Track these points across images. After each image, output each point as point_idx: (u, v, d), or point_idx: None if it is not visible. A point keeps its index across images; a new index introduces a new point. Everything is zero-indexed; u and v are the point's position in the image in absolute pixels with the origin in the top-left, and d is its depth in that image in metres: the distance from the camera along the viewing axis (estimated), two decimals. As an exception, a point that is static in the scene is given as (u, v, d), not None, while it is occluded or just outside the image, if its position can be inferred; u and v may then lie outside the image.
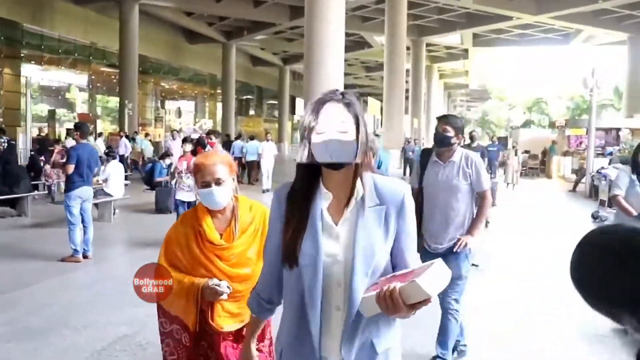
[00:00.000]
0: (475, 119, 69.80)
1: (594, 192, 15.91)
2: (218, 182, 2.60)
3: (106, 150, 13.94)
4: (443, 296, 4.08)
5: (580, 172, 19.66)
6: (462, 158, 4.34)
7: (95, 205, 10.20)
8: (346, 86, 18.06)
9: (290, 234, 1.77)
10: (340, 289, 1.75)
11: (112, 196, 11.12)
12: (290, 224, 1.78)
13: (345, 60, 17.19)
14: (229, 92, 40.15)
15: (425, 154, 4.61)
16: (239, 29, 37.41)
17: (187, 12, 33.78)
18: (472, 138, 13.09)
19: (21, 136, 20.70)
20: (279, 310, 1.97)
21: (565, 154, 26.09)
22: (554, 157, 26.55)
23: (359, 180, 1.79)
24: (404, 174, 22.47)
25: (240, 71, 43.80)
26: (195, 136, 20.89)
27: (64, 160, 14.31)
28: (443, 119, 4.41)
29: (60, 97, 34.69)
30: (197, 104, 49.48)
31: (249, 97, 55.04)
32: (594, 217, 12.56)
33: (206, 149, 17.28)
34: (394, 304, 1.55)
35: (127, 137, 22.39)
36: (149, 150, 22.99)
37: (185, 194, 8.75)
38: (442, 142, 4.35)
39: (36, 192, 12.98)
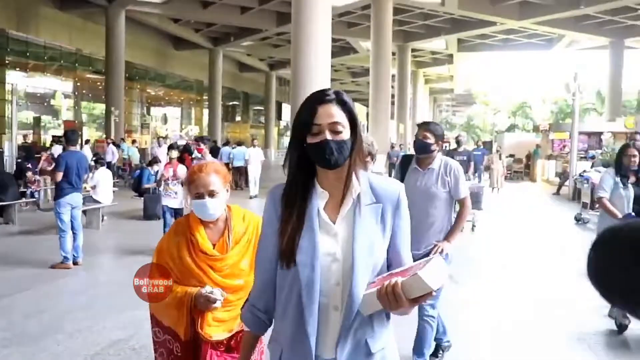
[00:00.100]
0: (460, 124, 70.28)
1: (577, 194, 16.14)
2: (212, 194, 2.59)
3: (94, 158, 13.97)
4: None
5: (563, 176, 19.92)
6: (441, 165, 4.35)
7: (84, 212, 10.23)
8: (333, 92, 18.15)
9: (287, 233, 1.74)
10: (339, 288, 1.73)
11: (100, 203, 11.16)
12: (288, 223, 1.75)
13: (332, 66, 17.33)
14: (215, 98, 40.19)
15: (406, 160, 4.61)
16: (226, 35, 37.48)
17: (173, 19, 33.80)
18: (458, 143, 13.26)
19: (7, 144, 20.60)
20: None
21: (549, 157, 26.39)
22: (538, 161, 26.86)
23: (355, 178, 1.78)
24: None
25: (227, 77, 43.82)
26: (181, 143, 20.98)
27: (51, 167, 14.44)
28: (423, 126, 4.42)
29: (45, 104, 34.50)
30: (183, 110, 49.37)
31: (235, 103, 55.00)
32: (577, 219, 12.78)
33: (193, 155, 17.36)
34: (396, 299, 1.54)
35: (114, 143, 22.36)
36: (136, 157, 22.98)
37: (172, 201, 8.80)
38: (422, 149, 4.37)
39: (24, 199, 12.95)
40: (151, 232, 10.18)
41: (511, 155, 28.51)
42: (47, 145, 25.46)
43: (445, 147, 30.34)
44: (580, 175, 15.33)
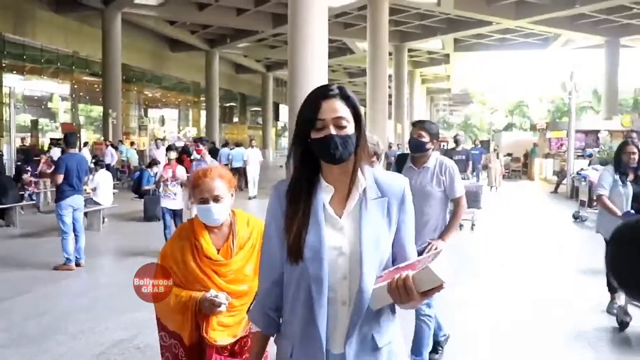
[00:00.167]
0: (457, 123, 70.33)
1: (574, 193, 16.20)
2: (216, 199, 2.57)
3: (94, 160, 14.00)
4: None
5: (561, 174, 19.97)
6: (436, 164, 4.35)
7: (85, 214, 10.27)
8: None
9: (293, 228, 1.73)
10: (345, 282, 1.72)
11: (101, 205, 11.19)
12: (293, 219, 1.74)
13: (329, 67, 17.38)
14: (212, 99, 40.24)
15: (401, 159, 4.63)
16: (222, 36, 37.52)
17: (170, 21, 33.84)
18: (457, 142, 13.29)
19: (5, 147, 20.60)
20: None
21: (546, 156, 26.45)
22: (535, 160, 26.92)
23: (360, 173, 1.78)
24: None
25: (224, 79, 43.89)
26: (179, 144, 21.00)
27: (51, 170, 14.47)
28: (418, 125, 4.43)
29: (42, 107, 34.52)
30: (180, 112, 49.41)
31: (232, 104, 55.05)
32: (575, 217, 12.84)
33: (192, 157, 17.39)
34: (407, 292, 1.53)
35: (112, 145, 22.38)
36: (134, 159, 23.01)
37: (171, 202, 8.81)
38: (417, 148, 4.38)
39: (24, 202, 12.98)
40: (151, 233, 10.22)
41: (509, 154, 28.57)
42: (46, 148, 25.48)
43: (443, 146, 30.45)
44: (577, 173, 15.39)
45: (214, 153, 18.52)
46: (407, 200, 1.83)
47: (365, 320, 1.71)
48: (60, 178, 8.01)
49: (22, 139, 28.90)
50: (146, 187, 13.37)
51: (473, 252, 9.14)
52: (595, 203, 12.42)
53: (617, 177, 5.77)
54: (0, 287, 7.06)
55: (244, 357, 2.64)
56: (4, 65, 28.96)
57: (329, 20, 17.15)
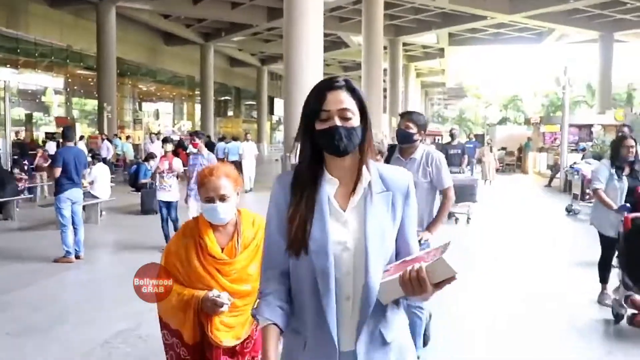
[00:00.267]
0: (452, 117, 70.47)
1: (568, 186, 16.35)
2: (222, 198, 2.56)
3: (90, 154, 14.05)
4: None
5: (554, 168, 20.11)
6: (423, 155, 4.35)
7: (83, 207, 10.34)
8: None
9: (297, 220, 1.71)
10: (349, 277, 1.70)
11: (98, 198, 11.25)
12: (297, 211, 1.72)
13: (323, 60, 17.44)
14: (207, 93, 40.27)
15: (389, 150, 4.61)
16: (217, 30, 37.53)
17: (164, 15, 33.78)
18: (452, 136, 13.37)
19: (1, 141, 20.59)
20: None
21: (540, 150, 26.59)
22: (529, 154, 27.06)
23: (364, 167, 1.76)
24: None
25: (219, 72, 43.87)
26: (175, 138, 21.03)
27: (47, 164, 14.52)
28: (406, 116, 4.43)
29: (37, 100, 34.43)
30: (175, 105, 49.33)
31: (227, 98, 55.01)
32: (568, 210, 12.97)
33: (188, 150, 17.42)
34: (420, 284, 1.53)
35: (107, 139, 22.41)
36: (130, 153, 23.04)
37: (166, 194, 8.83)
38: (404, 139, 4.38)
39: (23, 195, 13.02)
40: (149, 226, 10.30)
41: (503, 148, 28.71)
42: (40, 142, 25.50)
43: (438, 140, 30.53)
44: (570, 167, 15.52)
45: (209, 147, 18.58)
46: (412, 194, 1.82)
47: (372, 315, 1.70)
48: (58, 171, 8.05)
49: (17, 133, 28.86)
50: (143, 181, 13.42)
51: (469, 245, 9.22)
52: (587, 196, 12.58)
53: (613, 171, 5.81)
54: (4, 279, 7.14)
55: (245, 357, 2.66)
56: (-2, 59, 28.95)
57: (323, 14, 17.21)
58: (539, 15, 30.49)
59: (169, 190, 8.82)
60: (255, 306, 1.79)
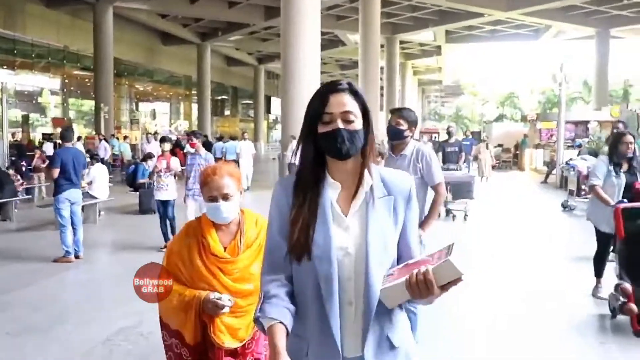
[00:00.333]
0: (449, 115, 70.60)
1: (564, 182, 16.42)
2: (225, 197, 2.55)
3: (88, 154, 14.09)
4: None
5: (551, 164, 20.20)
6: (413, 152, 4.36)
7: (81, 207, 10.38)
8: (322, 84, 18.42)
9: (299, 225, 1.70)
10: (351, 282, 1.70)
11: (97, 198, 11.29)
12: (299, 215, 1.71)
13: (320, 59, 17.50)
14: (204, 92, 40.29)
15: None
16: (214, 29, 37.53)
17: (161, 14, 33.77)
18: (449, 134, 13.42)
19: (-2, 142, 20.65)
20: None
21: (536, 146, 26.68)
22: (526, 150, 27.15)
23: (366, 171, 1.75)
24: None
25: (215, 72, 43.89)
26: (172, 137, 21.06)
27: (45, 165, 14.55)
28: (396, 113, 4.44)
29: (33, 101, 34.42)
30: (172, 105, 49.33)
31: (224, 97, 55.03)
32: (564, 206, 13.04)
33: (185, 150, 17.41)
34: (428, 287, 1.52)
35: (105, 140, 22.44)
36: (128, 153, 23.08)
37: (164, 193, 8.83)
38: (395, 136, 4.40)
39: (21, 196, 13.05)
40: (147, 226, 10.35)
41: (500, 145, 28.79)
42: (38, 143, 25.54)
43: (435, 138, 30.49)
44: (566, 163, 15.60)
45: (207, 146, 18.62)
46: (413, 198, 1.82)
47: (377, 320, 1.70)
48: (56, 172, 8.07)
49: (13, 134, 28.89)
50: (141, 181, 13.47)
51: (466, 243, 9.26)
52: (583, 192, 12.65)
53: (611, 167, 5.82)
54: (3, 279, 7.19)
55: (246, 358, 2.63)
56: (-5, 60, 28.93)
57: (320, 12, 17.25)
58: (536, 12, 30.54)
59: (167, 189, 8.83)
60: (257, 310, 1.71)
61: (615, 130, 9.14)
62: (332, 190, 1.75)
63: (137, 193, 13.03)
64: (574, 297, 6.31)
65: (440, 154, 12.90)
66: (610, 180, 5.82)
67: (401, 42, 39.41)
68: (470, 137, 23.62)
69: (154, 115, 45.28)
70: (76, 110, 37.76)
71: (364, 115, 1.75)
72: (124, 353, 4.73)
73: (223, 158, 18.64)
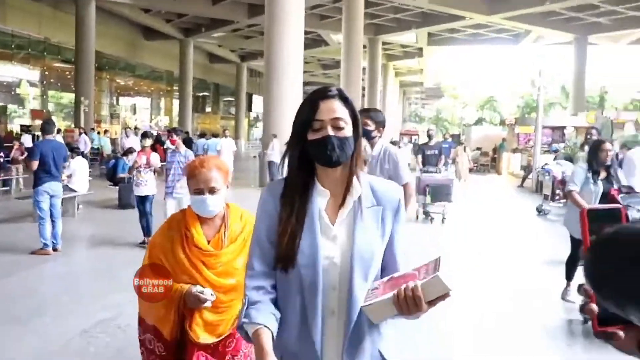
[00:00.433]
0: (429, 117, 71.08)
1: (540, 187, 16.67)
2: (212, 191, 2.53)
3: (69, 147, 14.01)
4: None
5: (527, 169, 20.49)
6: (381, 152, 4.39)
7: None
8: (304, 83, 18.53)
9: (287, 234, 1.68)
10: (335, 292, 1.69)
11: (76, 192, 11.26)
12: (287, 224, 1.69)
13: (303, 58, 17.59)
14: (185, 89, 40.14)
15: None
16: (197, 25, 37.40)
17: (144, 9, 33.60)
18: (429, 136, 13.55)
19: (-25, 133, 20.43)
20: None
21: (514, 151, 26.99)
22: (504, 154, 27.43)
23: (355, 179, 1.74)
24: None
25: (198, 68, 43.75)
26: (152, 133, 21.01)
27: (23, 156, 14.45)
28: (364, 113, 4.43)
29: (12, 92, 34.03)
30: (153, 100, 49.09)
31: (205, 94, 54.92)
32: (538, 210, 13.27)
33: (166, 146, 17.37)
34: (416, 303, 1.49)
35: (85, 133, 22.30)
36: (107, 147, 22.97)
37: (143, 189, 8.81)
38: (363, 136, 4.50)
39: (-1, 188, 12.99)
40: (126, 220, 10.35)
41: (478, 149, 29.09)
42: (17, 134, 25.28)
43: (415, 140, 30.63)
44: (542, 168, 15.84)
45: (187, 143, 18.62)
46: (402, 209, 1.80)
47: (358, 330, 1.68)
48: (35, 165, 8.07)
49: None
50: (121, 175, 13.45)
51: (444, 245, 9.42)
52: (557, 197, 12.89)
53: (589, 175, 5.86)
54: (-19, 270, 7.19)
55: (226, 357, 2.60)
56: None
57: (304, 11, 17.35)
58: (516, 17, 30.94)
59: (146, 185, 8.81)
60: (242, 316, 1.69)
61: (588, 137, 9.32)
62: (320, 198, 1.73)
63: (117, 187, 13.01)
64: (550, 299, 6.42)
65: (420, 156, 13.04)
66: (588, 187, 5.85)
67: (383, 43, 39.62)
68: (450, 139, 23.84)
69: (134, 110, 45.04)
70: (55, 103, 37.43)
71: (354, 121, 1.74)
72: (102, 345, 4.78)
73: (205, 155, 18.64)
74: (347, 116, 1.71)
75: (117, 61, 39.58)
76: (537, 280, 7.38)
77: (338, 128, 1.68)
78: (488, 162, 28.91)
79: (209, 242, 2.57)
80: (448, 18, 32.91)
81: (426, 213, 11.86)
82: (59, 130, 23.04)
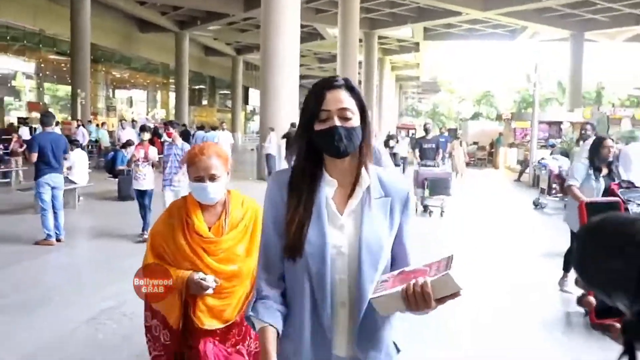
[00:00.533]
0: (426, 111, 71.06)
1: (536, 181, 16.76)
2: (212, 178, 2.52)
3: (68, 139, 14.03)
4: None
5: (524, 163, 20.59)
6: None
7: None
8: (300, 77, 18.59)
9: (295, 223, 1.67)
10: (344, 283, 1.68)
11: (76, 184, 11.31)
12: (295, 213, 1.68)
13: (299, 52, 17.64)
14: (181, 81, 40.07)
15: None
16: (193, 18, 37.30)
17: (139, 1, 33.47)
18: (426, 130, 13.57)
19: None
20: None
21: (511, 145, 27.07)
22: (500, 149, 27.53)
23: (364, 170, 1.73)
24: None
25: (193, 61, 43.66)
26: (150, 126, 21.03)
27: (22, 149, 14.46)
28: None
29: (7, 85, 33.94)
30: (149, 93, 49.05)
31: (202, 87, 54.85)
32: (535, 204, 13.37)
33: (163, 139, 17.40)
34: (425, 299, 1.47)
35: (82, 125, 22.31)
36: (105, 140, 22.99)
37: (142, 183, 8.82)
38: None
39: (-1, 179, 13.02)
40: (126, 212, 10.40)
41: (475, 143, 29.18)
42: (15, 126, 25.28)
43: (413, 134, 30.64)
44: (538, 162, 15.93)
45: (185, 136, 18.69)
46: (410, 201, 1.80)
47: (369, 321, 1.68)
48: (34, 157, 8.13)
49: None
50: (120, 167, 13.50)
51: (443, 239, 9.48)
52: (554, 191, 12.99)
53: (591, 171, 5.89)
54: (-15, 260, 7.24)
55: (230, 342, 2.61)
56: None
57: (300, 5, 17.38)
58: (512, 13, 30.96)
59: (144, 179, 8.81)
60: (250, 308, 1.73)
61: (583, 132, 9.37)
62: (328, 188, 1.72)
63: (116, 180, 13.06)
64: (547, 292, 6.48)
65: (417, 150, 13.09)
66: (589, 184, 5.88)
67: (380, 38, 39.62)
68: (446, 134, 23.91)
69: (130, 102, 44.97)
70: (51, 95, 37.36)
71: (361, 111, 1.71)
72: (109, 332, 4.86)
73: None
74: (354, 106, 1.69)
75: (112, 53, 39.49)
76: (534, 273, 7.44)
77: (345, 118, 1.66)
78: (485, 157, 29.00)
79: (210, 228, 2.57)
80: (444, 13, 32.94)
81: (425, 207, 11.92)
82: (57, 123, 23.09)
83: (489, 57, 58.24)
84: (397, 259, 1.76)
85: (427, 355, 4.45)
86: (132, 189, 9.50)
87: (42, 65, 34.47)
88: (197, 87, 52.74)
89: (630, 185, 5.94)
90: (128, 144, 13.53)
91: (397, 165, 18.82)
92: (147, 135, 9.37)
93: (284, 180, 1.75)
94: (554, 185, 13.08)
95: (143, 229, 8.65)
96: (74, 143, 11.82)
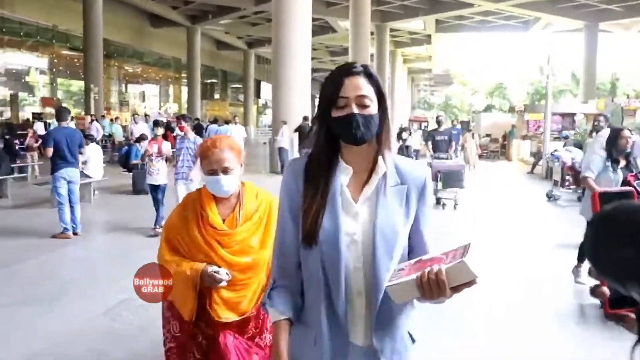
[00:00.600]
0: (438, 104, 70.81)
1: (549, 173, 16.67)
2: (226, 171, 2.54)
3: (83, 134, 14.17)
4: None
5: (537, 155, 20.48)
6: None
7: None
8: (312, 70, 18.62)
9: (312, 211, 1.65)
10: (359, 272, 1.66)
11: (91, 178, 11.42)
12: (312, 201, 1.66)
13: (311, 45, 17.64)
14: (194, 76, 40.23)
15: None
16: (204, 12, 37.41)
17: (151, -4, 33.65)
18: (439, 123, 13.54)
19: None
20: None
21: (524, 137, 26.90)
22: (513, 141, 27.36)
23: (380, 157, 1.70)
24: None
25: (205, 55, 43.78)
26: (163, 120, 21.15)
27: (38, 144, 14.63)
28: None
29: (22, 80, 34.24)
30: (161, 87, 49.26)
31: (214, 80, 54.99)
32: (548, 196, 13.32)
33: (175, 133, 17.47)
34: (440, 287, 1.45)
35: (96, 120, 22.48)
36: (119, 134, 23.15)
37: (155, 178, 8.85)
38: None
39: (16, 174, 13.15)
40: (141, 206, 10.48)
41: (488, 135, 29.04)
42: (30, 121, 25.51)
43: (425, 127, 30.53)
44: (551, 154, 15.85)
45: (198, 129, 18.77)
46: (428, 190, 1.76)
47: (387, 310, 1.66)
48: (49, 152, 8.22)
49: (1, 113, 28.78)
50: (134, 162, 13.60)
51: (456, 232, 9.46)
52: (567, 182, 12.93)
53: (608, 163, 5.80)
54: (4, 253, 7.35)
55: (247, 334, 2.63)
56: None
57: (311, -2, 17.40)
58: (525, 4, 30.78)
59: (158, 174, 8.84)
60: (266, 295, 1.77)
61: (596, 124, 9.29)
62: (343, 176, 1.70)
63: (131, 174, 13.18)
64: (561, 283, 6.48)
65: (430, 142, 13.06)
66: (607, 175, 5.80)
67: (391, 30, 39.51)
68: (458, 126, 23.81)
69: (143, 97, 45.19)
70: (65, 90, 37.64)
71: (380, 99, 1.69)
72: (126, 323, 4.95)
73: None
74: (372, 93, 1.66)
75: (125, 48, 39.71)
76: (548, 265, 7.42)
77: (363, 106, 1.63)
78: (498, 149, 28.84)
79: (224, 221, 2.58)
80: (456, 5, 32.80)
81: (438, 199, 11.88)
82: (72, 118, 23.27)
83: (501, 49, 58.01)
84: (414, 248, 1.73)
85: (443, 344, 4.46)
86: (146, 183, 9.58)
87: (55, 60, 34.74)
88: (209, 81, 52.89)
89: None
90: (142, 138, 13.60)
91: (409, 157, 18.79)
92: (160, 130, 9.40)
93: (299, 168, 1.74)
94: (567, 177, 13.02)
95: (155, 223, 8.72)
96: (88, 137, 11.91)
